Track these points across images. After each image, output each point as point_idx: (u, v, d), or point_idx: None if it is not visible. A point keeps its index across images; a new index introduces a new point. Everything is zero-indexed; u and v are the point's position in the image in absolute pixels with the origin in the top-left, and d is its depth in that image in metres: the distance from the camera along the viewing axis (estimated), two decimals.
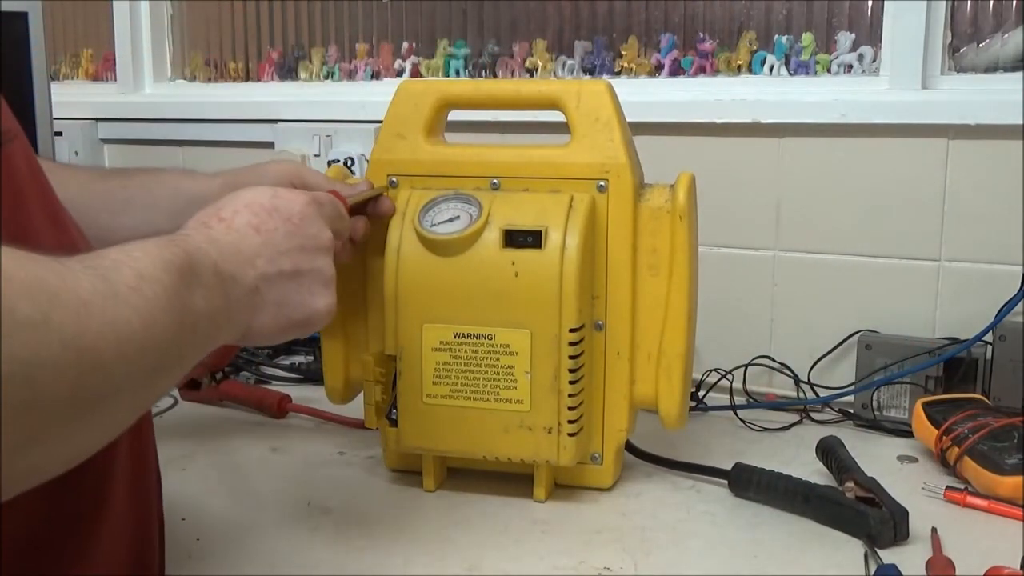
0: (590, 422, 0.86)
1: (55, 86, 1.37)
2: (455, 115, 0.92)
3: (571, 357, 0.81)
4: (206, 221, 0.61)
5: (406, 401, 0.85)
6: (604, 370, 0.86)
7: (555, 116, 0.87)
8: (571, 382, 0.81)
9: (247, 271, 0.58)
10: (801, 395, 1.15)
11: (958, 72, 1.17)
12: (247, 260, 0.59)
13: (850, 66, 1.24)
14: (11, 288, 0.38)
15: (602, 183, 0.84)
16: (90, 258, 0.46)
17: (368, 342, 0.90)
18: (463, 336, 0.83)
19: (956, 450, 0.89)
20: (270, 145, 1.47)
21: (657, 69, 1.34)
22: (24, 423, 0.38)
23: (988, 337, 1.04)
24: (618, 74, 1.37)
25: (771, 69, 1.27)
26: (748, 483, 0.86)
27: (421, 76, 1.51)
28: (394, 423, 0.86)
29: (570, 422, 0.82)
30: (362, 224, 0.81)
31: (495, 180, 0.86)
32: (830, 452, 0.90)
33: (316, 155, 1.44)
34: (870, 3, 1.23)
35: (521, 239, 0.81)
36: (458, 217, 0.83)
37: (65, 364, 0.40)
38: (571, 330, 0.81)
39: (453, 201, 0.84)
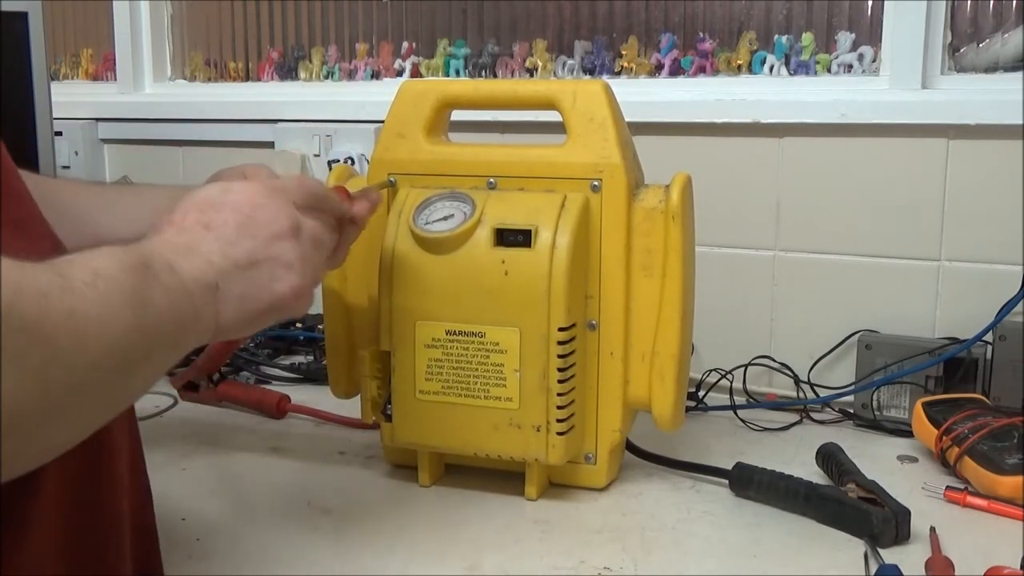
0: (583, 422, 0.86)
1: (55, 86, 1.38)
2: (456, 115, 0.92)
3: (560, 356, 0.81)
4: (158, 226, 0.61)
5: (400, 397, 0.85)
6: (598, 370, 0.86)
7: (554, 116, 0.87)
8: (560, 381, 0.81)
9: (204, 269, 0.58)
10: (801, 395, 1.15)
11: (958, 72, 1.17)
12: (202, 258, 0.59)
13: (850, 66, 1.23)
14: None
15: (596, 183, 0.84)
16: (51, 261, 0.47)
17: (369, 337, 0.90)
18: (454, 333, 0.83)
19: (956, 450, 0.89)
20: (270, 145, 1.47)
21: (657, 69, 1.34)
22: None
23: (988, 337, 1.03)
24: (618, 74, 1.37)
25: (771, 69, 1.27)
26: (749, 483, 0.86)
27: (421, 76, 1.51)
28: (389, 418, 0.86)
29: (559, 421, 0.82)
30: (366, 206, 0.78)
31: (492, 179, 0.86)
32: (830, 457, 0.89)
33: (316, 155, 1.44)
34: (870, 3, 1.23)
35: (512, 238, 0.82)
36: (452, 215, 0.83)
37: (27, 352, 0.41)
38: (560, 329, 0.81)
39: (448, 200, 0.85)
